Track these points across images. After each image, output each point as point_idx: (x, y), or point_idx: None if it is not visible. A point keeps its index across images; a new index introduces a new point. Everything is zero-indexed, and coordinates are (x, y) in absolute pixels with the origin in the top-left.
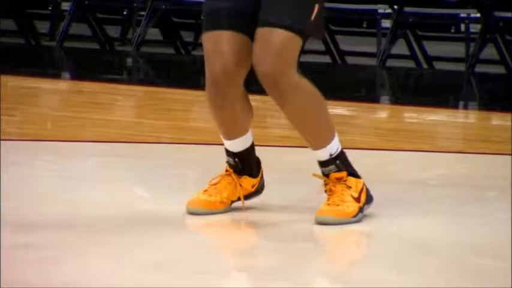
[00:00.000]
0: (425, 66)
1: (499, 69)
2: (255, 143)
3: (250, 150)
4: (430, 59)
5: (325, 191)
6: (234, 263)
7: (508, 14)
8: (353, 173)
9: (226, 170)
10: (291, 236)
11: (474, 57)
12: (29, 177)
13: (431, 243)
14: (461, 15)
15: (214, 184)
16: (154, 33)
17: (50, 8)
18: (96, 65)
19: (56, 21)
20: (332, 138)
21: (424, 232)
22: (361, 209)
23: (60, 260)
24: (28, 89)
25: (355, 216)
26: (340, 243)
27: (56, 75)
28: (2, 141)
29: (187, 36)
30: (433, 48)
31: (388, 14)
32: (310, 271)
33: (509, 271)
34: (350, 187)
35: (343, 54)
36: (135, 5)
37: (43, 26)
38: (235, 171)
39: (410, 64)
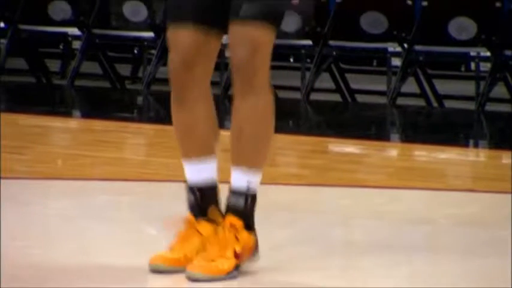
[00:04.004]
0: (435, 104)
1: (509, 108)
2: (263, 181)
3: (214, 192)
4: (440, 98)
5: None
6: None
7: None
8: (250, 225)
9: (189, 221)
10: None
11: (484, 95)
12: (40, 216)
13: (442, 283)
14: (472, 53)
15: (177, 240)
16: (164, 72)
17: (61, 46)
18: (107, 104)
19: (67, 59)
20: (259, 171)
21: (435, 272)
22: (237, 267)
23: None
24: (39, 127)
25: (228, 274)
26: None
27: (67, 114)
28: (13, 180)
29: None
30: (443, 86)
31: (398, 52)
32: None
33: None
34: (238, 240)
35: (353, 92)
36: (145, 43)
37: (54, 65)
38: (194, 215)
39: (421, 102)
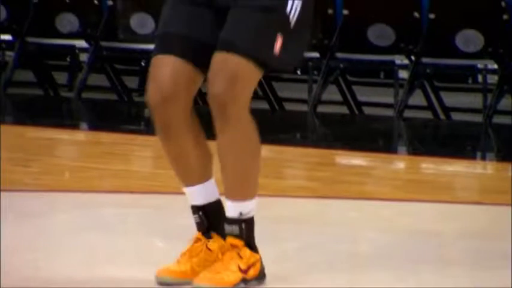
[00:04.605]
0: (442, 117)
1: None
2: (271, 194)
3: (217, 207)
4: (447, 110)
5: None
6: None
7: None
8: (251, 245)
9: (199, 238)
10: None
11: (491, 108)
12: (47, 228)
13: None
14: (479, 66)
15: (185, 252)
16: None
17: (68, 59)
18: (114, 116)
19: (74, 72)
20: (251, 198)
21: (442, 284)
22: (244, 280)
23: None
24: (46, 139)
25: (235, 286)
26: None
27: (74, 126)
28: (20, 192)
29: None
30: (451, 99)
31: (406, 64)
32: None
33: None
34: (241, 257)
35: (360, 104)
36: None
37: (61, 77)
38: (204, 233)
39: (428, 115)
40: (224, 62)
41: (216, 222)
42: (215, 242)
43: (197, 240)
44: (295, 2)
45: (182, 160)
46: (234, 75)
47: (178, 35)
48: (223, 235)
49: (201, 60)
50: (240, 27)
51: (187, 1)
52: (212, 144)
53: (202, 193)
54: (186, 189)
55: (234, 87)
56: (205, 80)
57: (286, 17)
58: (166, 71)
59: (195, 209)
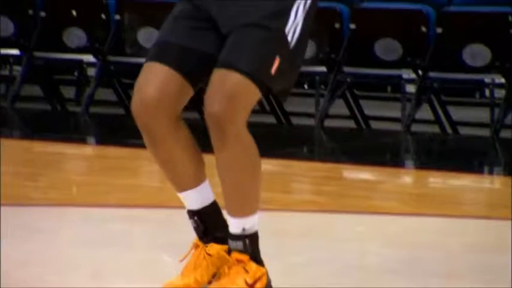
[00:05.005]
0: (450, 131)
1: None
2: (278, 208)
3: (213, 211)
4: (454, 124)
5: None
6: None
7: None
8: (257, 259)
9: (197, 245)
10: None
11: (499, 122)
12: (54, 243)
13: None
14: (486, 80)
15: (188, 265)
16: None
17: (75, 73)
18: (122, 130)
19: (82, 86)
20: (253, 213)
21: None
22: None
23: None
24: (54, 154)
25: None
26: None
27: (82, 141)
28: (28, 207)
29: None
30: (458, 113)
31: (413, 79)
32: None
33: None
34: (247, 272)
35: (367, 118)
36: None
37: (69, 92)
38: (201, 238)
39: (435, 129)
40: (223, 80)
41: (214, 225)
42: (213, 247)
43: (196, 246)
44: (296, 23)
45: (171, 166)
46: (232, 94)
47: (178, 45)
48: (221, 240)
49: (197, 73)
50: (240, 45)
51: (190, 16)
52: (208, 158)
53: (196, 198)
54: (179, 195)
55: (232, 105)
56: (199, 93)
57: (286, 38)
58: (155, 83)
59: (191, 213)
